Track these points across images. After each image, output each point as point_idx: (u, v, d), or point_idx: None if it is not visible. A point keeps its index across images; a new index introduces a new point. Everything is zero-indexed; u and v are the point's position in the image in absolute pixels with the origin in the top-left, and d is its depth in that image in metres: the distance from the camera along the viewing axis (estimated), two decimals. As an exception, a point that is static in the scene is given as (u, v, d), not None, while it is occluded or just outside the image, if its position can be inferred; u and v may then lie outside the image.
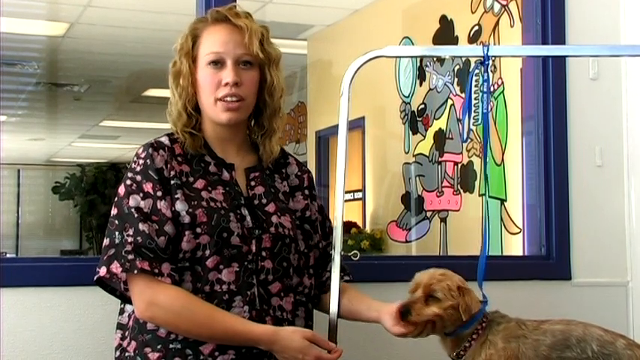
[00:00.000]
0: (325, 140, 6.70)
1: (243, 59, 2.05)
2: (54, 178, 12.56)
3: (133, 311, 2.00)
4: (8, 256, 8.13)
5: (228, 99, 2.03)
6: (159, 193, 1.97)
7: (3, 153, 11.26)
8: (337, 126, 2.14)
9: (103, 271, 1.94)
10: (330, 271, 2.18)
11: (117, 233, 1.94)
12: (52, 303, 2.42)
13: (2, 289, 2.37)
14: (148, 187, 1.97)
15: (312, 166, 6.79)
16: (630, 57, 3.09)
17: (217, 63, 2.04)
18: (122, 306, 2.06)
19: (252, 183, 2.11)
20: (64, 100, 9.11)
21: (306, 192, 2.21)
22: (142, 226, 1.93)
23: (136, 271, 1.90)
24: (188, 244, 1.96)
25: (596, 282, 3.13)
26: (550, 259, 3.11)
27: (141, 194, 1.96)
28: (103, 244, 1.97)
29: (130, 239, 1.92)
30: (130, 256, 1.91)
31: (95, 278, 1.96)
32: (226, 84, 2.02)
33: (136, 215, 1.94)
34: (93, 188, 11.68)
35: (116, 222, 1.96)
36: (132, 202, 1.95)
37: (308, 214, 2.18)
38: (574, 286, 3.10)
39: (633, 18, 3.24)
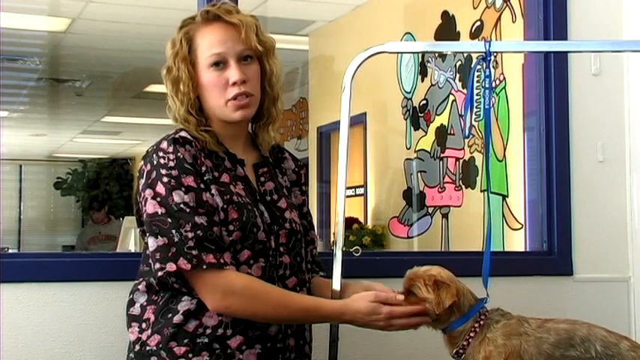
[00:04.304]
0: (327, 136, 6.71)
1: (244, 55, 2.04)
2: (56, 173, 12.58)
3: (147, 302, 1.98)
4: (10, 251, 8.12)
5: (239, 97, 2.01)
6: (202, 185, 1.95)
7: (5, 148, 11.26)
8: (339, 122, 2.14)
9: (170, 266, 1.88)
10: (313, 263, 2.20)
11: (174, 231, 1.89)
12: (54, 298, 2.42)
13: (4, 284, 2.37)
14: (188, 180, 1.93)
15: (313, 162, 6.80)
16: (632, 52, 3.08)
17: (219, 63, 2.02)
18: (131, 297, 2.03)
19: (262, 179, 2.10)
20: (66, 96, 9.11)
21: (303, 188, 2.23)
22: (197, 219, 1.90)
23: (204, 267, 1.89)
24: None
25: (597, 277, 3.13)
26: (552, 255, 3.11)
27: (183, 189, 1.92)
28: (157, 243, 1.91)
29: (190, 235, 1.89)
30: (194, 252, 1.88)
31: (162, 273, 1.89)
32: (234, 83, 2.00)
33: (187, 210, 1.90)
34: (94, 184, 11.71)
35: (169, 220, 1.90)
36: (177, 199, 1.91)
37: (305, 210, 2.20)
38: (576, 282, 3.10)
39: (635, 13, 3.24)
